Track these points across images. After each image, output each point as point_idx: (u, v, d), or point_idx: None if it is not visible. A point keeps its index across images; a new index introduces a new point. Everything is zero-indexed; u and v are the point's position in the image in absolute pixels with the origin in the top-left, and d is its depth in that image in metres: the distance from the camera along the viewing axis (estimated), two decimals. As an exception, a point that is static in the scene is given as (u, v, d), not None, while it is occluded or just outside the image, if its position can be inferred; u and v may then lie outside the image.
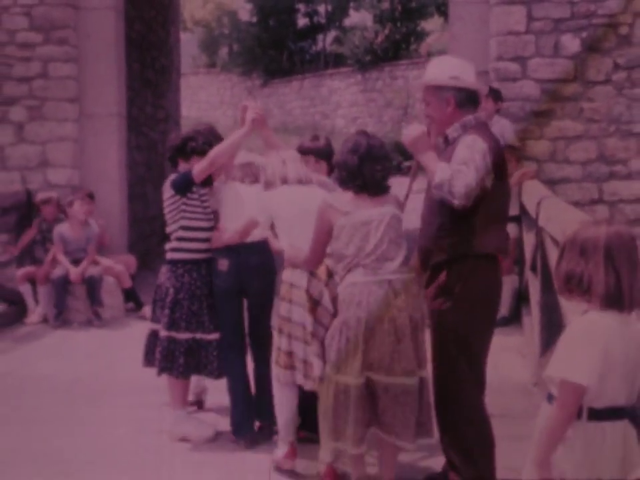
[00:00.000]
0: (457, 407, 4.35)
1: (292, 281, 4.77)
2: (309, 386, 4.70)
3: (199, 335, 5.34)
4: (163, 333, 5.33)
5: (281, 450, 4.91)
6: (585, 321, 2.91)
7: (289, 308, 4.75)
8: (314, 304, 4.67)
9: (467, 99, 4.43)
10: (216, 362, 5.37)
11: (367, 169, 4.34)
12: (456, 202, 4.17)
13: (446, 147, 4.48)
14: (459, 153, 4.26)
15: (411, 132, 4.41)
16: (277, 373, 4.85)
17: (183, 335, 5.32)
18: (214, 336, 5.37)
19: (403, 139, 4.44)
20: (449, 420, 4.38)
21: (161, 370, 5.36)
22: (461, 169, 4.18)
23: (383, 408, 4.19)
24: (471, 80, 4.46)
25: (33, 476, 4.85)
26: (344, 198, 4.36)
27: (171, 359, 5.32)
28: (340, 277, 4.37)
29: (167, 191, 5.37)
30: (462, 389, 4.35)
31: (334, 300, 4.51)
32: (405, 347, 4.19)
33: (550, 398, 3.06)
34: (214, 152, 5.28)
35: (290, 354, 4.77)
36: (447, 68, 4.49)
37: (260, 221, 5.07)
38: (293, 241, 4.77)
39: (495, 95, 8.44)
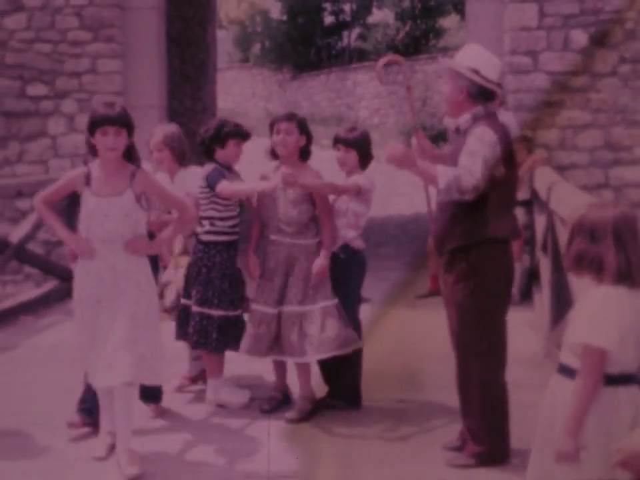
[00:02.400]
0: (479, 383, 4.33)
1: None
2: None
3: (231, 312, 5.30)
4: (195, 309, 5.26)
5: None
6: (601, 293, 2.89)
7: None
8: None
9: (480, 92, 4.33)
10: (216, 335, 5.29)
11: None
12: (466, 197, 4.13)
13: (458, 136, 4.42)
14: (469, 145, 4.20)
15: (392, 152, 4.27)
16: None
17: (216, 312, 5.23)
18: (241, 312, 5.34)
19: (385, 160, 4.26)
20: (471, 395, 4.36)
21: (195, 344, 5.30)
22: (466, 165, 4.12)
23: None
24: (491, 76, 4.35)
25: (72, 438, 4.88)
26: None
27: (205, 334, 5.24)
28: None
29: (202, 180, 5.31)
30: (484, 366, 4.32)
31: None
32: None
33: (562, 369, 3.03)
34: (239, 189, 5.26)
35: None
36: (470, 58, 4.37)
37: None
38: None
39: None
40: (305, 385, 5.21)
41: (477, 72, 4.31)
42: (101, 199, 4.34)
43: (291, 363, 5.26)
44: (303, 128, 5.22)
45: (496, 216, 4.26)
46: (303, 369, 5.20)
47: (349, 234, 5.16)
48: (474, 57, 4.38)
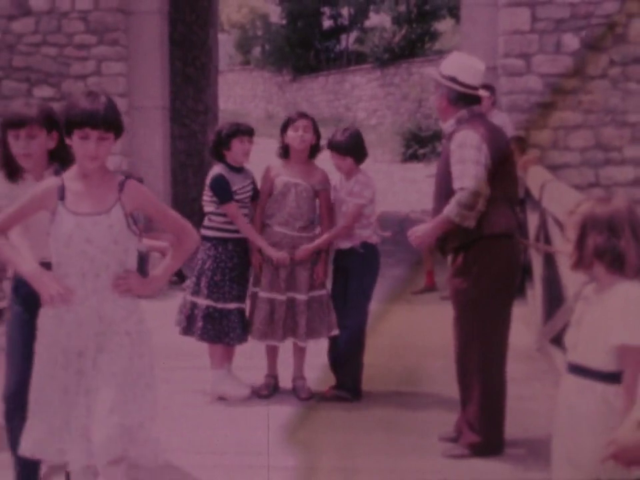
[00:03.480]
0: (480, 374, 4.33)
1: None
2: None
3: (220, 305, 5.32)
4: (188, 298, 5.38)
5: None
6: (635, 292, 2.78)
7: None
8: None
9: (459, 97, 4.36)
10: (239, 329, 5.34)
11: None
12: (479, 207, 4.17)
13: (446, 141, 4.44)
14: (454, 153, 4.23)
15: (414, 240, 4.41)
16: None
17: (203, 302, 5.30)
18: (234, 305, 5.34)
19: (412, 242, 4.42)
20: (472, 385, 4.36)
21: (183, 330, 5.40)
22: (458, 176, 4.17)
23: None
24: (469, 82, 4.37)
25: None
26: None
27: (192, 322, 5.34)
28: None
29: (208, 182, 5.45)
30: (485, 359, 4.32)
31: None
32: None
33: (571, 368, 2.91)
34: (243, 228, 5.31)
35: None
36: (449, 66, 4.44)
37: None
38: None
39: (489, 90, 8.35)
40: (301, 367, 5.43)
41: (454, 79, 4.35)
42: (82, 219, 3.18)
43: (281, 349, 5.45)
44: (316, 127, 5.38)
45: (492, 213, 4.26)
46: (303, 352, 5.41)
47: (365, 232, 5.29)
48: (452, 65, 4.44)
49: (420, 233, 4.36)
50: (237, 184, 5.37)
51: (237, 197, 5.33)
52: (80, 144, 3.18)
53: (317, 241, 5.32)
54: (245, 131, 5.40)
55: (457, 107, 4.36)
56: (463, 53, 4.70)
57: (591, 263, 2.86)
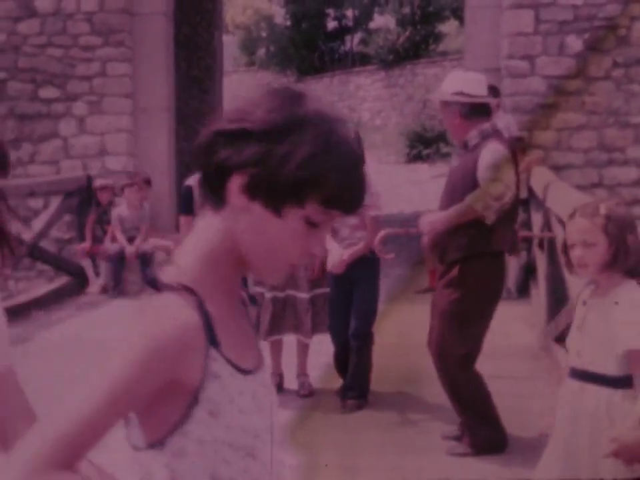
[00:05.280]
0: (454, 383, 4.37)
1: None
2: None
3: None
4: None
5: None
6: None
7: None
8: None
9: (472, 110, 4.37)
10: None
11: None
12: (506, 200, 4.19)
13: (465, 152, 4.43)
14: (486, 159, 4.25)
15: (424, 227, 4.42)
16: None
17: None
18: None
19: (422, 229, 4.44)
20: (452, 393, 4.40)
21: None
22: (487, 178, 4.21)
23: None
24: (475, 92, 4.39)
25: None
26: None
27: None
28: None
29: None
30: (454, 366, 4.35)
31: None
32: None
33: (575, 374, 2.88)
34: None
35: None
36: (451, 84, 4.45)
37: None
38: None
39: (494, 92, 8.35)
40: (305, 364, 5.51)
41: (460, 93, 4.35)
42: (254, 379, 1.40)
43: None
44: None
45: (498, 229, 4.28)
46: (306, 349, 5.47)
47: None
48: (454, 82, 4.45)
49: (434, 218, 4.35)
50: None
51: None
52: None
53: (346, 255, 5.27)
54: None
55: (471, 121, 4.35)
56: (462, 71, 4.72)
57: (625, 262, 2.82)
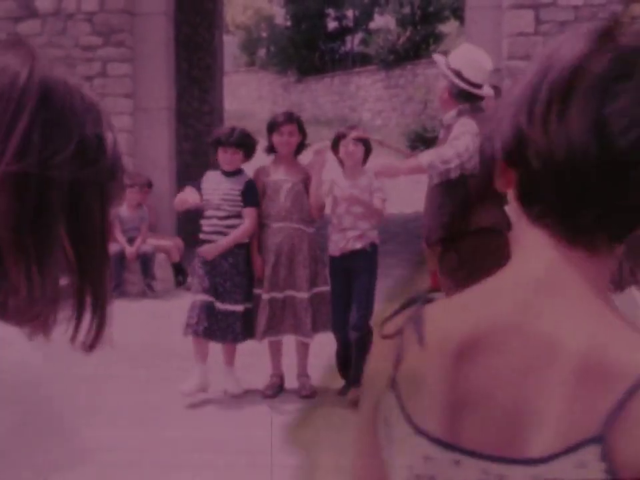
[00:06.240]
0: None
1: None
2: None
3: (218, 304, 5.32)
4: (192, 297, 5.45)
5: None
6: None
7: None
8: None
9: (461, 93, 4.36)
10: (239, 328, 5.37)
11: None
12: (452, 165, 4.16)
13: (443, 129, 4.49)
14: (454, 132, 4.28)
15: (376, 169, 4.54)
16: None
17: (201, 297, 5.30)
18: (227, 306, 5.35)
19: (375, 174, 4.59)
20: None
21: (185, 327, 5.34)
22: (451, 144, 4.21)
23: None
24: (473, 79, 4.36)
25: (81, 426, 4.88)
26: None
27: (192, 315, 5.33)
28: None
29: None
30: None
31: None
32: None
33: None
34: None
35: None
36: (458, 59, 4.41)
37: None
38: None
39: (495, 91, 8.34)
40: (305, 364, 5.50)
41: (459, 73, 4.33)
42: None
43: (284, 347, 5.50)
44: (301, 128, 5.50)
45: (479, 207, 4.27)
46: (306, 349, 5.46)
47: (373, 233, 5.39)
48: (460, 58, 4.42)
49: (387, 163, 4.45)
50: (212, 184, 5.47)
51: (205, 196, 5.44)
52: None
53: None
54: (225, 143, 5.43)
55: (457, 102, 4.39)
56: (473, 46, 4.63)
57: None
